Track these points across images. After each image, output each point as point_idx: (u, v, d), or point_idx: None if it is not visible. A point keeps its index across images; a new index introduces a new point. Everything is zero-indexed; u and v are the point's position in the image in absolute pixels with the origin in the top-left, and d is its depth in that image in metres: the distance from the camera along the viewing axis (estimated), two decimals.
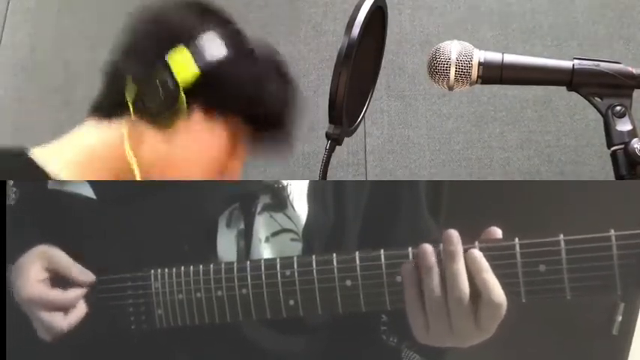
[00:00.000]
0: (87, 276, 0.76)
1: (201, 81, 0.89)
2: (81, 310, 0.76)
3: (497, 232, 0.65)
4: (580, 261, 0.61)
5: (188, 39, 0.89)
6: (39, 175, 0.90)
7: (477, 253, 0.63)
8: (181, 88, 0.88)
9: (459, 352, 0.71)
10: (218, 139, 0.93)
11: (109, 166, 0.92)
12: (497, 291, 0.62)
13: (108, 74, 0.94)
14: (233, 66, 0.90)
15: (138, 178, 0.91)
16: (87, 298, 0.76)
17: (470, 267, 0.63)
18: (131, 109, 0.90)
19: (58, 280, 0.75)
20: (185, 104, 0.89)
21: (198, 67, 0.88)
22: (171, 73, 0.88)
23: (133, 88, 0.89)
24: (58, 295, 0.75)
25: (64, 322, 0.74)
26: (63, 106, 0.99)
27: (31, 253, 0.76)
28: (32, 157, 0.92)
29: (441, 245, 0.64)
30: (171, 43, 0.89)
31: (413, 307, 0.65)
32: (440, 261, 0.64)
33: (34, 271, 0.75)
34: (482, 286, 0.62)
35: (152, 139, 0.91)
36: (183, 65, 0.88)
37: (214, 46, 0.90)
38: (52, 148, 0.95)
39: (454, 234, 0.64)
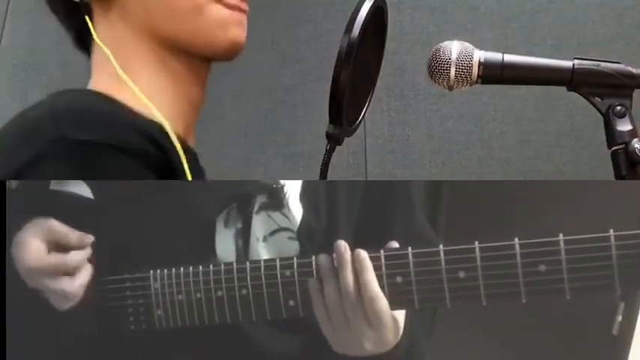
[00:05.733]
0: (85, 238, 0.76)
1: None
2: (86, 272, 0.75)
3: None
4: (580, 261, 0.61)
5: None
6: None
7: (362, 253, 0.67)
8: None
9: (460, 353, 0.71)
10: None
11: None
12: (372, 286, 0.66)
13: None
14: None
15: None
16: (89, 259, 0.75)
17: (355, 266, 0.67)
18: None
19: (59, 247, 0.75)
20: None
21: None
22: None
23: None
24: (60, 258, 0.74)
25: (72, 285, 0.74)
26: None
27: (28, 227, 0.76)
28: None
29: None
30: None
31: (320, 317, 0.69)
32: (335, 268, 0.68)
33: (34, 243, 0.75)
34: (362, 283, 0.66)
35: None
36: None
37: None
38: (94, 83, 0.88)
39: (341, 243, 0.68)
